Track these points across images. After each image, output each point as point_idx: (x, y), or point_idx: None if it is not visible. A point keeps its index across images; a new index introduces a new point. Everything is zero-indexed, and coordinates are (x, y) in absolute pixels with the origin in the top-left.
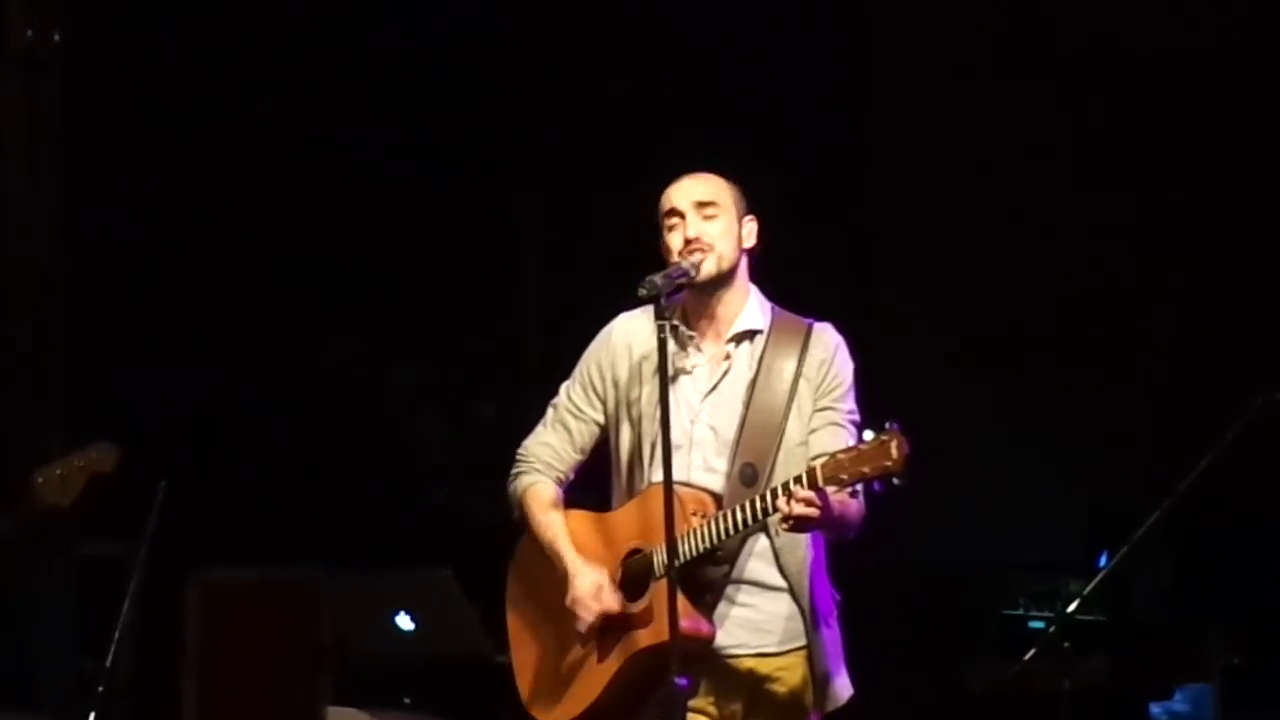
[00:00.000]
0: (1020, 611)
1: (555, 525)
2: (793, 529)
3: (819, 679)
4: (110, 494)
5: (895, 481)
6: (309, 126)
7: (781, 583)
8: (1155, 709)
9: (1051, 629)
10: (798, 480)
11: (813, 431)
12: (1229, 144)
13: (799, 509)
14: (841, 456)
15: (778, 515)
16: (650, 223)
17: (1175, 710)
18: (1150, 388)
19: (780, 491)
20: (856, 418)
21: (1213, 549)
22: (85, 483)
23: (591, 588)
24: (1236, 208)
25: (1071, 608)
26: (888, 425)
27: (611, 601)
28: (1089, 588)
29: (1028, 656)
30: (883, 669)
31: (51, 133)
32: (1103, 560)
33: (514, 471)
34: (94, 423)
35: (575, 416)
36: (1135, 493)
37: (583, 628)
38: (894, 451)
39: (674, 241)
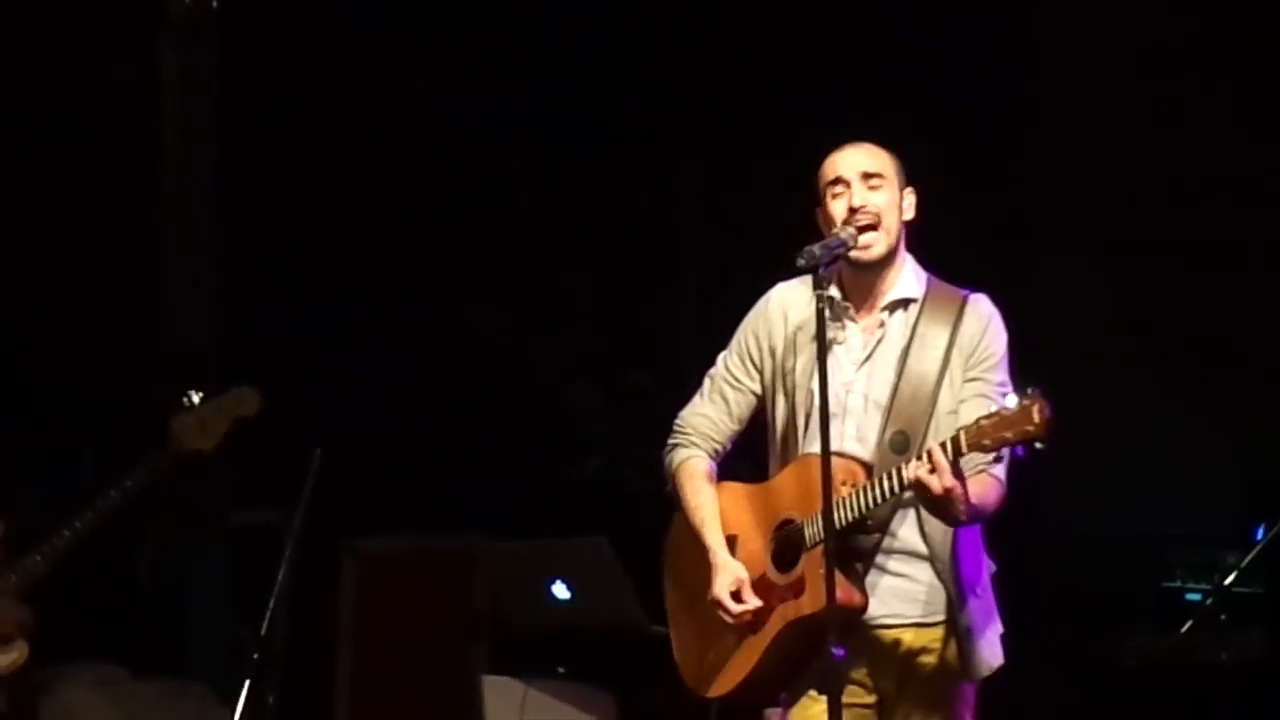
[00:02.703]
0: (1177, 584)
1: (706, 507)
2: (931, 512)
3: (966, 648)
4: (262, 452)
5: (1038, 446)
6: (465, 98)
7: (928, 551)
8: None
9: (1209, 601)
10: (941, 446)
11: (961, 402)
12: None
13: (930, 478)
14: (985, 422)
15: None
16: (806, 192)
17: None
18: None
19: (924, 458)
20: (1008, 389)
21: None
22: (229, 426)
23: (729, 588)
24: None
25: (1229, 580)
26: (1029, 390)
27: (750, 600)
28: (1247, 560)
29: (1184, 629)
30: (1038, 640)
31: (209, 101)
32: (1260, 533)
33: (670, 443)
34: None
35: (733, 386)
36: None
37: (726, 621)
38: (1036, 416)
39: (837, 209)
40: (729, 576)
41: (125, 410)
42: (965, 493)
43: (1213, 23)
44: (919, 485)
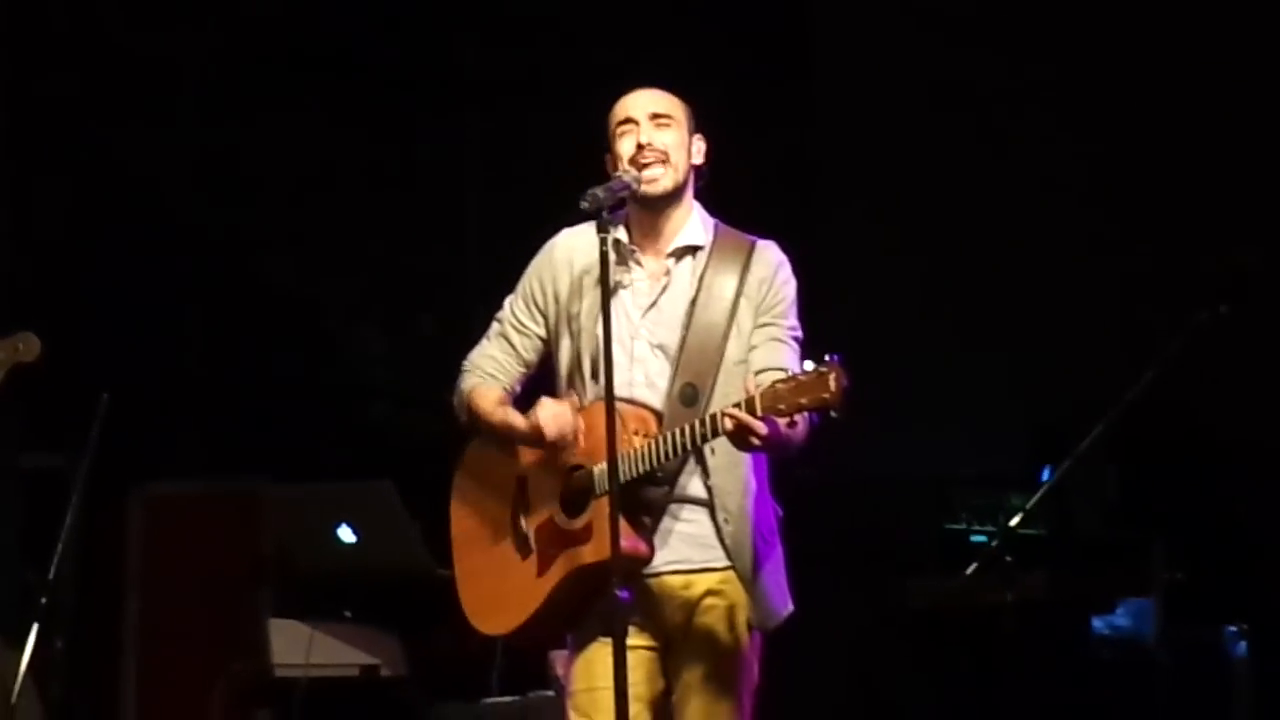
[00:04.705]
0: (962, 526)
1: (507, 410)
2: (738, 448)
3: (757, 597)
4: (49, 396)
5: (832, 414)
6: (251, 42)
7: (714, 500)
8: (1097, 623)
9: (994, 543)
10: (737, 406)
11: (753, 348)
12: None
13: (738, 433)
14: (780, 387)
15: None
16: (590, 141)
17: (1116, 624)
18: (1095, 299)
19: (720, 417)
20: (799, 334)
21: (1155, 463)
22: (5, 373)
23: (556, 412)
24: (1186, 112)
25: (1014, 522)
26: (827, 358)
27: (572, 413)
28: (1032, 502)
29: (969, 571)
30: (823, 584)
31: None
32: (1046, 474)
33: (459, 380)
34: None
35: (518, 330)
36: (1079, 406)
37: (577, 448)
38: (832, 384)
39: (625, 148)
40: (547, 409)
41: None
42: (777, 431)
43: None
44: (737, 434)
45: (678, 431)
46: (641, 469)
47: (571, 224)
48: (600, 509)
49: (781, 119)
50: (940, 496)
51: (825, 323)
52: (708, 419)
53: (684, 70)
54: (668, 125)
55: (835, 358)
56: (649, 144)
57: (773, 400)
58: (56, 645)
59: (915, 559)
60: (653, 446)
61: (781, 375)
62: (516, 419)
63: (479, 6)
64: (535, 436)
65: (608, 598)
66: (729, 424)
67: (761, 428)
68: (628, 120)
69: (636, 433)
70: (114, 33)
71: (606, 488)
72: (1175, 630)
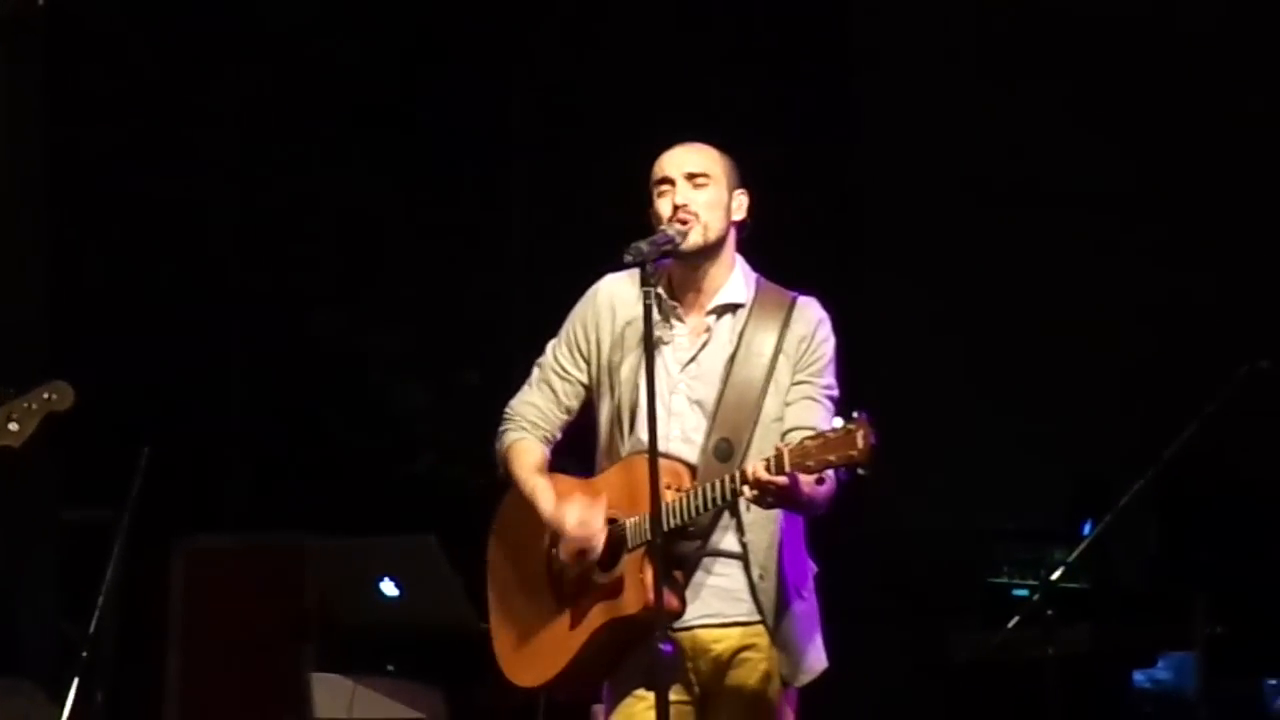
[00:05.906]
0: (1004, 579)
1: (538, 479)
2: (759, 504)
3: (790, 652)
4: (91, 450)
5: (860, 471)
6: (294, 93)
7: (748, 556)
8: (1139, 677)
9: (1035, 597)
10: (765, 463)
11: (787, 405)
12: (1222, 115)
13: (762, 489)
14: (809, 444)
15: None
16: (636, 190)
17: (1159, 678)
18: (1136, 355)
19: (748, 473)
20: (835, 393)
21: (1197, 517)
22: (39, 422)
23: (583, 519)
24: (1224, 176)
25: (1055, 576)
26: (855, 415)
27: (599, 524)
28: (1073, 555)
29: (1011, 624)
30: (865, 638)
31: (35, 97)
32: (1087, 528)
33: (500, 429)
34: (78, 390)
35: (560, 376)
36: (1120, 461)
37: (595, 557)
38: (859, 442)
39: (663, 208)
40: (573, 515)
41: None
42: (798, 490)
43: (1044, 25)
44: (761, 490)
45: (709, 486)
46: (672, 523)
47: (616, 269)
48: (632, 563)
49: (823, 171)
50: (982, 550)
51: (867, 376)
52: (737, 474)
53: (727, 122)
54: (704, 184)
55: (863, 415)
56: (684, 205)
57: (801, 457)
58: (97, 699)
59: (957, 613)
60: (684, 501)
61: (810, 433)
62: (544, 500)
63: (525, 57)
64: (554, 526)
65: (650, 651)
66: (753, 479)
67: (784, 483)
68: (665, 180)
69: (669, 487)
70: (155, 84)
71: (639, 541)
72: (1216, 684)
